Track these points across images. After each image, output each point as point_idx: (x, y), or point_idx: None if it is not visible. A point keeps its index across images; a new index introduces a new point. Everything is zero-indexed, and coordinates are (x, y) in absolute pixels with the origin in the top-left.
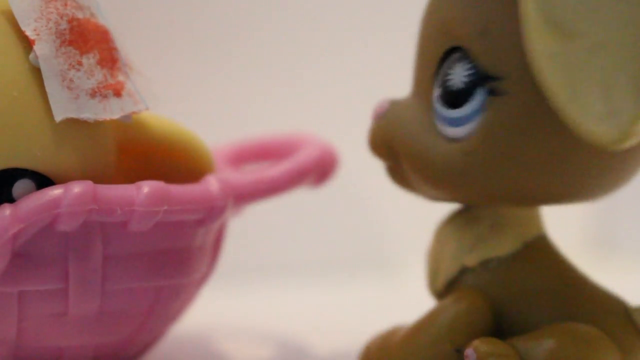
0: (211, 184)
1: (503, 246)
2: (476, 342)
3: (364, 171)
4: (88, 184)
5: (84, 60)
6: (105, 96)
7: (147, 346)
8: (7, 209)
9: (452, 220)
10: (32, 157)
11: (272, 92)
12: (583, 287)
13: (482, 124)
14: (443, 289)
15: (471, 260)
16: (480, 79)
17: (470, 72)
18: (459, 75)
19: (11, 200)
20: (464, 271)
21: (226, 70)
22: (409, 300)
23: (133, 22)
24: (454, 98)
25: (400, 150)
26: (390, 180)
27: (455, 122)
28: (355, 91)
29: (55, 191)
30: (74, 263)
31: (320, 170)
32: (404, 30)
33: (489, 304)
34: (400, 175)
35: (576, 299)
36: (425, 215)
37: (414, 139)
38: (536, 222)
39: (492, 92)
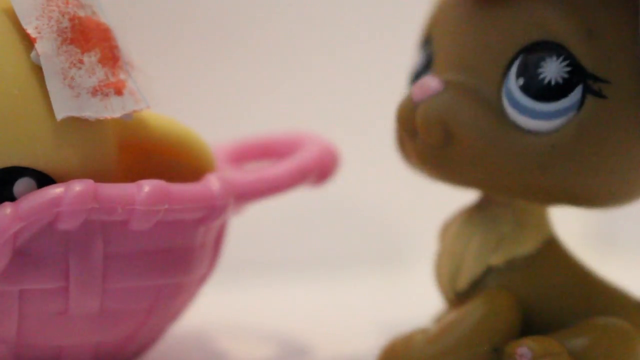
0: (212, 182)
1: (527, 244)
2: (528, 341)
3: (365, 169)
4: (89, 183)
5: (86, 59)
6: (106, 95)
7: (147, 345)
8: (8, 208)
9: (469, 219)
10: (33, 155)
11: (273, 90)
12: (599, 284)
13: (575, 121)
14: (466, 289)
15: (497, 259)
16: (580, 78)
17: (568, 69)
18: (555, 70)
19: (12, 198)
20: (489, 271)
21: (227, 68)
22: (411, 297)
23: (134, 20)
24: (547, 92)
25: (462, 134)
26: (422, 159)
27: (542, 115)
28: (356, 90)
29: (56, 190)
30: (74, 262)
31: (322, 169)
32: (405, 28)
33: (517, 303)
34: (441, 156)
35: (596, 295)
36: (426, 213)
37: (480, 127)
38: (549, 221)
39: (593, 93)
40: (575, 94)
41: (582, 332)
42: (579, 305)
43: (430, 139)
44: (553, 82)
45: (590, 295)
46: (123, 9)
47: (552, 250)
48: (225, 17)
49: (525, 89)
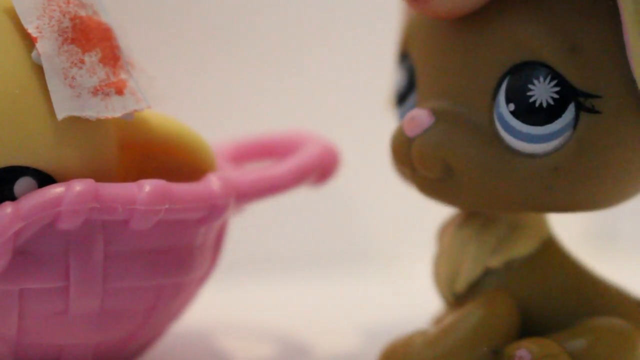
0: (213, 182)
1: (524, 246)
2: (527, 343)
3: (363, 168)
4: (89, 182)
5: (86, 58)
6: (107, 94)
7: (147, 344)
8: (8, 207)
9: (465, 221)
10: (33, 155)
11: (273, 90)
12: (597, 283)
13: (574, 140)
14: (464, 291)
15: (495, 261)
16: (571, 96)
17: (557, 88)
18: (544, 91)
19: (13, 198)
20: (486, 273)
21: (228, 68)
22: (408, 295)
23: (135, 19)
24: (540, 115)
25: (462, 167)
26: (424, 190)
27: (539, 139)
28: (357, 89)
29: (56, 189)
30: (75, 261)
31: (322, 169)
32: None
33: (516, 304)
34: (443, 187)
35: (595, 294)
36: (422, 212)
37: (479, 157)
38: (546, 222)
39: (586, 110)
40: (569, 113)
41: (582, 333)
42: (578, 306)
43: (430, 174)
44: (545, 104)
45: (589, 295)
46: (124, 9)
47: (550, 251)
48: (225, 16)
49: (518, 115)
